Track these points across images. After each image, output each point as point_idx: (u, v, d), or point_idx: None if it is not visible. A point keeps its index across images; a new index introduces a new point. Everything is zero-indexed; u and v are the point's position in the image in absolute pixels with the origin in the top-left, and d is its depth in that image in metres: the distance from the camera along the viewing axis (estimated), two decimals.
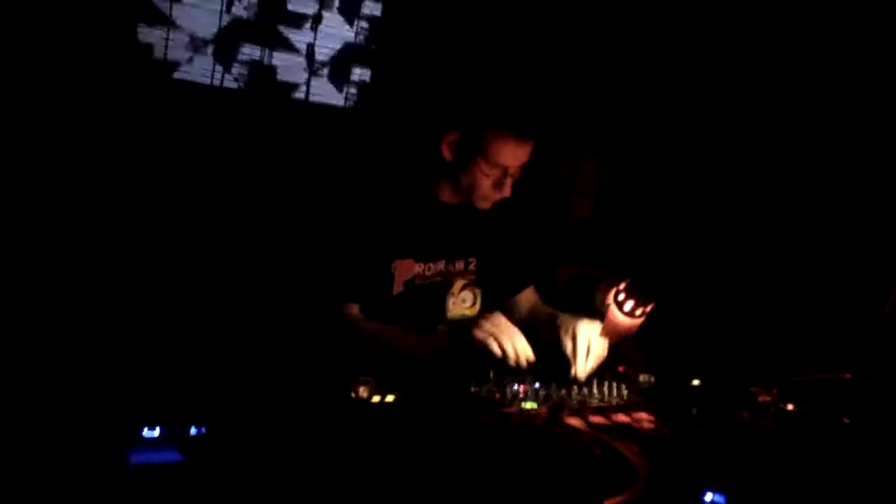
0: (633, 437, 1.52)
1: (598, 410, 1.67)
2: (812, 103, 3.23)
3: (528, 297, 2.20)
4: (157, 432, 1.28)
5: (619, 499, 1.21)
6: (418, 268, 1.99)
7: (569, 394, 1.72)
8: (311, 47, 3.14)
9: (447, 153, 1.93)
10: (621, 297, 1.72)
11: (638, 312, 1.71)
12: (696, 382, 1.94)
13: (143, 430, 1.27)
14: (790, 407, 1.73)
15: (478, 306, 2.09)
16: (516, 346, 1.72)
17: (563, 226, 2.52)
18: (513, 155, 1.89)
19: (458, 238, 2.05)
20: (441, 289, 2.04)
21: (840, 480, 1.44)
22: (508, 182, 1.92)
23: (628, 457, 1.37)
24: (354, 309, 1.91)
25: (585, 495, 1.22)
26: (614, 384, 1.76)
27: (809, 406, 1.76)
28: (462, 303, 2.08)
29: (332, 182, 2.25)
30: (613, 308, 1.74)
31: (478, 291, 2.10)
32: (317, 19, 3.19)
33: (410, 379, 1.65)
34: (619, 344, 1.84)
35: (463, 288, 2.07)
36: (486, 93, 1.99)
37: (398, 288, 1.96)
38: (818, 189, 3.16)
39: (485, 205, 1.97)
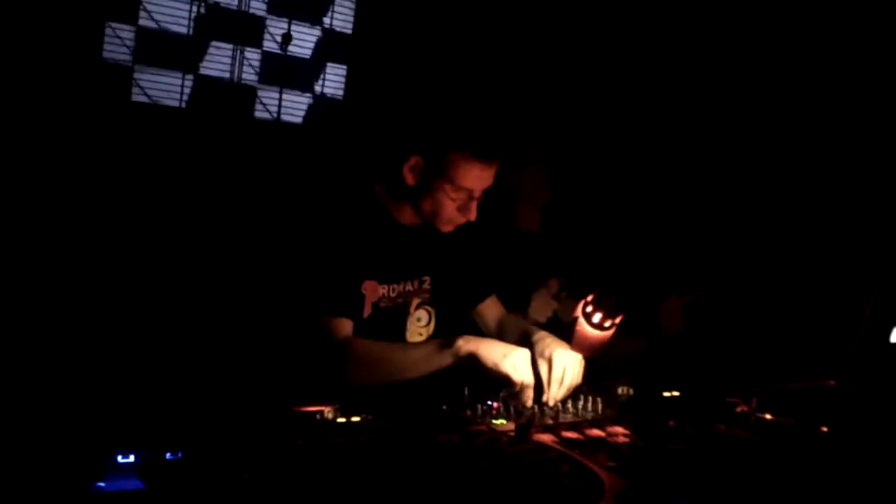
0: (608, 452, 1.49)
1: (572, 426, 1.63)
2: (781, 106, 3.24)
3: (493, 310, 2.19)
4: (131, 458, 1.24)
5: None
6: (382, 290, 1.96)
7: (541, 410, 1.68)
8: (280, 62, 3.14)
9: (409, 178, 1.90)
10: (589, 308, 1.69)
11: (607, 324, 1.68)
12: (673, 394, 1.92)
13: (117, 457, 1.23)
14: (768, 416, 1.70)
15: (433, 325, 2.06)
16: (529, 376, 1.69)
17: (513, 238, 2.51)
18: (479, 178, 1.86)
19: (415, 259, 2.03)
20: (402, 310, 2.00)
21: (816, 489, 1.40)
22: (473, 205, 1.90)
23: (597, 472, 1.33)
24: (347, 327, 1.86)
25: None
26: (589, 398, 1.73)
27: (789, 415, 1.73)
28: (417, 322, 2.04)
29: (293, 201, 2.22)
30: (582, 321, 1.71)
31: (432, 310, 2.06)
32: (286, 39, 3.19)
33: (383, 398, 1.63)
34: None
35: (418, 307, 2.04)
36: (450, 118, 1.95)
37: (367, 311, 1.93)
38: (795, 194, 3.15)
39: (448, 228, 1.94)
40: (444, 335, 2.00)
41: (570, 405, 1.71)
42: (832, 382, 2.08)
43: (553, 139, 2.60)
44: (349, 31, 3.39)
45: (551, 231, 2.65)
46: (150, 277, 2.76)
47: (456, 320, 2.14)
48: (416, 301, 2.04)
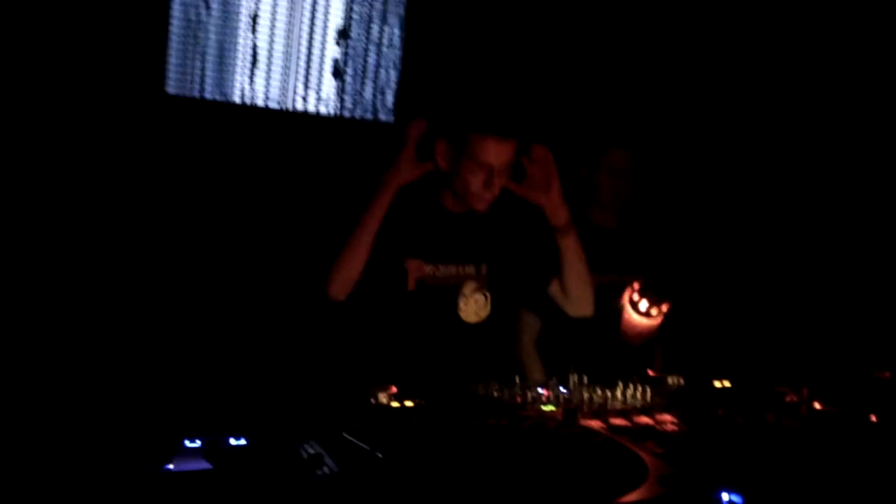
0: (655, 439, 1.53)
1: (621, 413, 1.67)
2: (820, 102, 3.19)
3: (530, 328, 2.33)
4: (198, 443, 1.32)
5: (630, 497, 1.22)
6: (428, 268, 2.10)
7: (591, 398, 1.72)
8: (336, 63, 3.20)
9: (441, 162, 2.08)
10: (636, 297, 1.72)
11: (654, 312, 1.71)
12: (724, 384, 1.93)
13: (185, 441, 1.32)
14: (818, 406, 1.70)
15: (488, 308, 2.16)
16: None
17: (586, 234, 2.51)
18: (496, 153, 2.01)
19: (466, 243, 2.16)
20: (452, 290, 2.13)
21: (861, 480, 1.41)
22: (496, 181, 2.04)
23: (642, 456, 1.37)
24: None
25: (596, 493, 1.23)
26: (638, 387, 1.76)
27: (840, 405, 1.73)
28: (475, 304, 2.14)
29: (349, 189, 2.33)
30: (629, 309, 1.74)
31: (488, 294, 2.16)
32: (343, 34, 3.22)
33: (433, 383, 1.70)
34: (644, 345, 1.84)
35: (475, 291, 2.13)
36: (467, 100, 2.08)
37: (412, 285, 2.07)
38: (845, 184, 3.10)
39: (480, 205, 2.08)
40: (500, 321, 2.20)
41: (619, 393, 1.75)
42: (888, 374, 2.06)
43: (634, 140, 2.59)
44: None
45: (627, 227, 2.65)
46: (203, 266, 2.86)
47: (512, 307, 2.28)
48: (471, 284, 2.15)
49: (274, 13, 3.00)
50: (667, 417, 1.68)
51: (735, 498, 1.31)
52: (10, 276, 2.54)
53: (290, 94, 3.08)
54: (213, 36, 2.94)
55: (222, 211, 2.87)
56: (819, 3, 3.19)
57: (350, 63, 3.20)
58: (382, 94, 3.23)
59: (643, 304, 1.71)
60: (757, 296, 2.84)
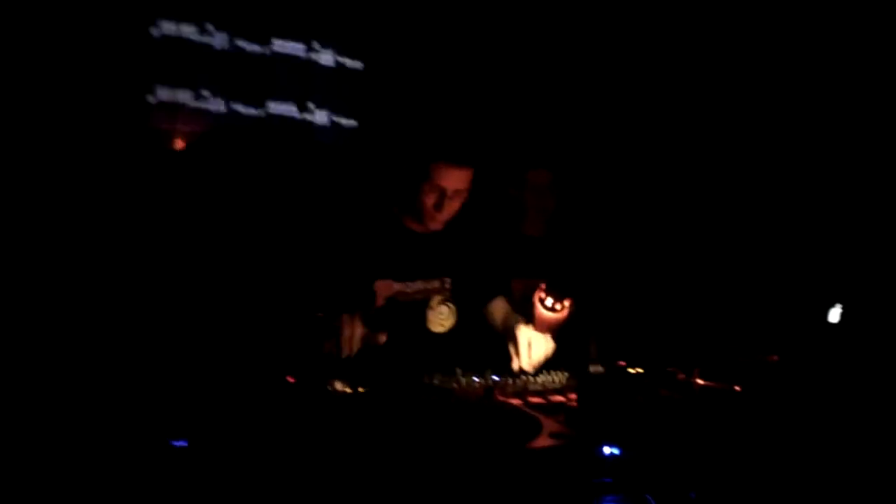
0: (565, 412, 1.88)
1: (539, 393, 2.02)
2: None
3: (500, 308, 2.54)
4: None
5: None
6: (398, 286, 2.34)
7: (514, 381, 2.06)
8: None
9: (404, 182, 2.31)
10: (542, 295, 2.08)
11: (558, 307, 2.08)
12: (638, 370, 2.28)
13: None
14: (700, 382, 2.07)
15: (453, 318, 2.43)
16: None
17: (518, 243, 2.87)
18: (449, 178, 2.25)
19: (431, 261, 2.41)
20: (420, 304, 2.38)
21: (723, 439, 1.77)
22: (446, 204, 2.26)
23: (539, 418, 1.73)
24: None
25: (499, 443, 1.59)
26: (555, 373, 2.11)
27: (724, 382, 2.09)
28: (440, 315, 2.41)
29: (323, 214, 2.60)
30: (538, 305, 2.10)
31: (453, 306, 2.43)
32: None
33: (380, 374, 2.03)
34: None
35: (440, 303, 2.43)
36: (430, 130, 2.36)
37: (380, 302, 2.31)
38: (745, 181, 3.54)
39: (434, 225, 2.32)
40: (463, 328, 2.44)
41: (539, 378, 2.10)
42: (776, 357, 2.41)
43: (552, 160, 2.97)
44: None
45: (553, 236, 3.02)
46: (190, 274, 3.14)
47: (474, 316, 2.51)
48: (437, 298, 2.41)
49: None
50: (573, 396, 2.03)
51: (614, 450, 1.67)
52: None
53: None
54: None
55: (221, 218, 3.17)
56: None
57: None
58: None
59: (549, 301, 2.07)
60: (666, 290, 3.24)
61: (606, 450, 1.66)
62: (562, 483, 1.56)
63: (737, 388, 2.03)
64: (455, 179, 2.27)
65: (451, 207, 2.31)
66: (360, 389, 1.93)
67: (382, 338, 2.08)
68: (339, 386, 1.93)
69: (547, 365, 2.18)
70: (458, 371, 2.07)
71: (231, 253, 3.16)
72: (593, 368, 2.27)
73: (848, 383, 2.18)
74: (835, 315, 2.50)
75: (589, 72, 3.80)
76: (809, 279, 3.06)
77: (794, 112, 3.51)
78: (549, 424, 1.71)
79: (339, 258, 2.29)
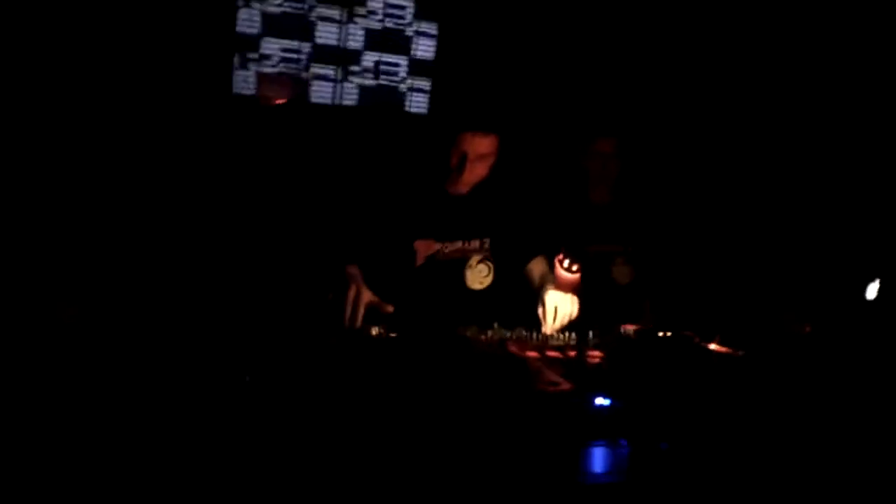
0: (572, 365, 2.06)
1: (559, 348, 2.20)
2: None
3: (539, 268, 2.70)
4: None
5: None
6: (438, 246, 2.54)
7: (530, 335, 2.25)
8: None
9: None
10: (561, 257, 2.26)
11: (574, 268, 2.25)
12: (667, 333, 2.42)
13: None
14: (714, 347, 2.19)
15: (491, 276, 2.61)
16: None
17: (570, 209, 3.03)
18: (470, 144, 2.42)
19: (470, 221, 2.59)
20: (460, 263, 2.57)
21: (714, 400, 1.90)
22: (468, 167, 2.44)
23: (533, 364, 1.92)
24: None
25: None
26: (574, 333, 2.28)
27: (738, 349, 2.21)
28: (479, 273, 2.60)
29: (370, 179, 2.83)
30: (558, 268, 2.28)
31: (491, 265, 2.61)
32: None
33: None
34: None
35: (479, 262, 2.62)
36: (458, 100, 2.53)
37: (420, 261, 2.52)
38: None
39: (459, 187, 2.50)
40: (502, 286, 2.62)
41: (562, 335, 2.27)
42: (808, 328, 2.48)
43: (620, 130, 3.09)
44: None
45: (620, 203, 3.16)
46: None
47: (512, 274, 2.70)
48: (476, 257, 2.60)
49: None
50: (595, 353, 2.19)
51: (605, 401, 1.83)
52: None
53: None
54: None
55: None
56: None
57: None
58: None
59: (566, 263, 2.25)
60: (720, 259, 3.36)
61: (599, 400, 1.83)
62: (548, 428, 1.74)
63: (740, 352, 2.14)
64: (476, 145, 2.44)
65: (475, 171, 2.48)
66: (392, 335, 2.16)
67: (389, 308, 2.24)
68: (374, 330, 2.17)
69: (575, 325, 2.36)
70: (496, 325, 2.28)
71: (288, 212, 3.44)
72: (624, 329, 2.43)
73: (872, 365, 2.25)
74: (872, 291, 2.54)
75: (653, 42, 3.86)
76: (852, 255, 3.07)
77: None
78: (550, 375, 1.90)
79: (383, 218, 2.51)
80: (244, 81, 3.51)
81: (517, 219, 2.69)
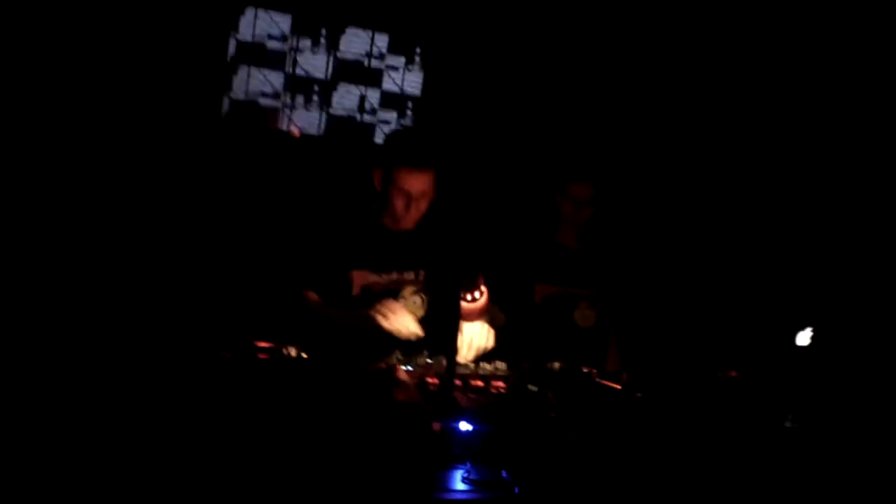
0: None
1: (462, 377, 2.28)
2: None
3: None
4: None
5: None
6: (373, 277, 2.65)
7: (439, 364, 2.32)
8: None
9: (377, 185, 2.65)
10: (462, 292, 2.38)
11: (469, 298, 2.35)
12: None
13: None
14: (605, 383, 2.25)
15: (424, 307, 2.69)
16: (399, 323, 2.40)
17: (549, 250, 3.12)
18: (411, 182, 2.55)
19: (405, 254, 2.71)
20: (393, 293, 2.65)
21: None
22: (414, 205, 2.57)
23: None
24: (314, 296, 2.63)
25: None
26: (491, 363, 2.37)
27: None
28: (412, 304, 2.67)
29: (310, 209, 2.97)
30: (462, 303, 2.38)
31: (425, 297, 2.70)
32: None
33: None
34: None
35: (413, 293, 2.69)
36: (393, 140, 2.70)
37: (356, 291, 2.64)
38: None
39: (406, 224, 2.62)
40: (436, 319, 2.68)
41: (469, 365, 2.35)
42: (734, 373, 2.48)
43: (596, 176, 3.19)
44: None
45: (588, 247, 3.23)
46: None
47: (445, 307, 2.73)
48: (410, 288, 2.71)
49: None
50: (498, 384, 2.26)
51: (469, 425, 1.91)
52: None
53: None
54: None
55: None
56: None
57: None
58: None
59: (467, 297, 2.37)
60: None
61: (463, 425, 1.91)
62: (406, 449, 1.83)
63: (639, 394, 2.18)
64: (417, 183, 2.57)
65: (419, 208, 2.61)
66: (304, 356, 2.29)
67: None
68: (292, 351, 2.31)
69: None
70: (425, 352, 2.39)
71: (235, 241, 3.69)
72: (551, 365, 2.49)
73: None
74: (804, 338, 2.51)
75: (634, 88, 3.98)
76: (783, 301, 3.04)
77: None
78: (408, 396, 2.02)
79: (322, 248, 2.64)
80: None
81: (452, 252, 2.78)
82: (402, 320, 2.42)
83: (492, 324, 2.51)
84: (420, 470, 1.77)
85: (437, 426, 1.88)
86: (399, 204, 2.60)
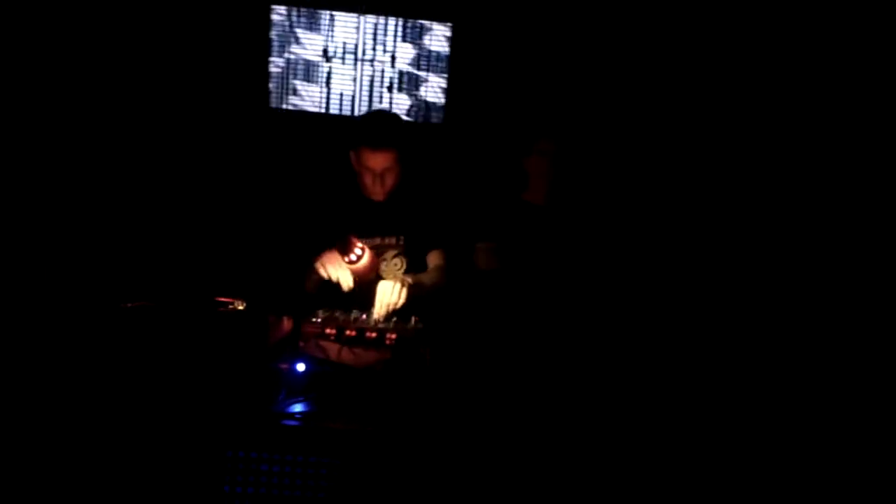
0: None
1: (359, 329, 2.62)
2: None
3: (431, 259, 3.19)
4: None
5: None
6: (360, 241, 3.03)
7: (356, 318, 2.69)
8: None
9: (354, 165, 3.04)
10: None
11: (347, 260, 2.80)
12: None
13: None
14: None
15: (403, 268, 3.07)
16: (334, 272, 2.81)
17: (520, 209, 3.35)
18: (374, 160, 2.92)
19: (387, 222, 3.13)
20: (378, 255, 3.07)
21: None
22: (379, 180, 2.96)
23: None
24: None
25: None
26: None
27: None
28: (394, 266, 3.07)
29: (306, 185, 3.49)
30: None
31: (405, 259, 3.08)
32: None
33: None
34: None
35: (394, 256, 3.09)
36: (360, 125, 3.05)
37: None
38: None
39: (376, 197, 3.04)
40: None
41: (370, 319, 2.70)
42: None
43: (561, 133, 3.32)
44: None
45: (556, 205, 3.40)
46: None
47: (422, 267, 3.20)
48: (392, 252, 3.12)
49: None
50: (392, 336, 2.59)
51: (303, 366, 2.31)
52: None
53: None
54: None
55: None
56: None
57: None
58: None
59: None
60: None
61: (300, 366, 2.32)
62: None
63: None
64: (379, 161, 2.96)
65: (385, 182, 3.01)
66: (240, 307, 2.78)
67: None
68: (238, 304, 2.83)
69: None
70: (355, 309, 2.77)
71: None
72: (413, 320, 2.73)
73: None
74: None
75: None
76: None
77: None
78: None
79: (320, 217, 3.13)
80: None
81: (426, 219, 3.17)
82: (337, 271, 2.84)
83: (418, 284, 2.87)
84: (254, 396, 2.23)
85: (283, 366, 2.31)
86: (367, 179, 3.03)
